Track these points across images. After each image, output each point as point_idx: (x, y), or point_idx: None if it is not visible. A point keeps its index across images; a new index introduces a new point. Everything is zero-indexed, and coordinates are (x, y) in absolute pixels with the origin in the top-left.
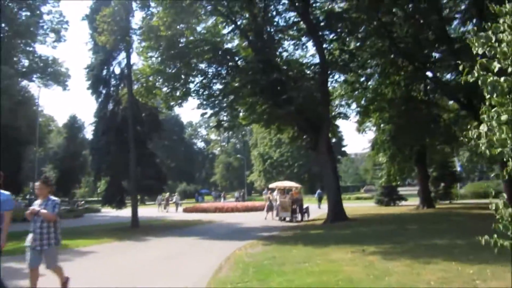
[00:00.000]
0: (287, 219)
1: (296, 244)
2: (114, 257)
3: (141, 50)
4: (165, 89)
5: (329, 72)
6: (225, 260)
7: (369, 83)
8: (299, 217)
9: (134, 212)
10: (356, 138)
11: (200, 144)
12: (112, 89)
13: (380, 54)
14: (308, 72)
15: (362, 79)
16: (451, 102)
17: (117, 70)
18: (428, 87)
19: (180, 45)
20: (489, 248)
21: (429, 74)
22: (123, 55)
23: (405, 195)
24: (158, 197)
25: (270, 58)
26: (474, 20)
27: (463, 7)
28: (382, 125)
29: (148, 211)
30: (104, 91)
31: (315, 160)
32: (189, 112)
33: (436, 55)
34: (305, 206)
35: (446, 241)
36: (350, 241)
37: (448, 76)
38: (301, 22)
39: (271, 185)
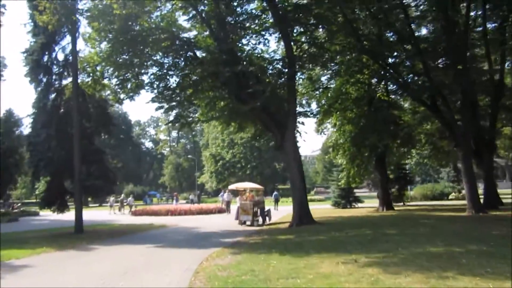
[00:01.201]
0: (248, 222)
1: (270, 253)
2: (53, 273)
3: (89, 36)
4: (115, 80)
5: (297, 66)
6: (194, 275)
7: (332, 81)
8: (260, 220)
9: (78, 215)
10: (307, 140)
11: (149, 144)
12: (54, 77)
13: (345, 51)
14: (271, 67)
15: (326, 77)
16: (406, 105)
17: (61, 57)
18: (391, 87)
19: (134, 32)
20: (497, 257)
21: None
22: (68, 39)
23: (360, 197)
24: (110, 199)
25: (234, 49)
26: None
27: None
28: (342, 126)
29: (94, 214)
30: (44, 79)
31: (272, 159)
32: (138, 110)
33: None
34: (266, 208)
35: (442, 249)
36: (331, 248)
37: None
38: (265, 15)
39: (231, 187)
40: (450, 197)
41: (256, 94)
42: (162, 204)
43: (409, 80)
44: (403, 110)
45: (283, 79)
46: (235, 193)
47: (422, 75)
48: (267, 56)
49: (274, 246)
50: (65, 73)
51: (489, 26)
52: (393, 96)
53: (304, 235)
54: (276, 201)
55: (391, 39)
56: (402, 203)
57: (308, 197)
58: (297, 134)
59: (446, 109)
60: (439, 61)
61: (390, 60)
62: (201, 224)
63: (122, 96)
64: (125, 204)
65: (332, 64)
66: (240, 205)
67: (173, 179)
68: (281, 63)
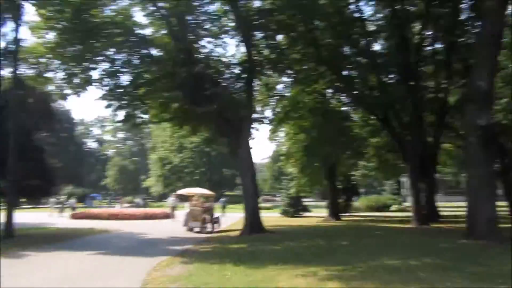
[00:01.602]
0: (196, 229)
1: (223, 263)
2: None
3: (35, 25)
4: (60, 74)
5: (256, 70)
6: None
7: (287, 90)
8: (209, 227)
9: (9, 217)
10: (257, 147)
11: (93, 144)
12: None
13: (304, 60)
14: (228, 72)
15: (282, 85)
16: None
17: (0, 45)
18: (345, 99)
19: (86, 23)
20: (452, 270)
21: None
22: (10, 26)
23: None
24: (51, 200)
25: (192, 49)
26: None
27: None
28: (296, 135)
29: (28, 216)
30: None
31: (220, 165)
32: (82, 109)
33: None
34: (215, 215)
35: (398, 262)
36: (287, 259)
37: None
38: (225, 18)
39: (180, 191)
40: (392, 208)
41: (213, 97)
42: (105, 208)
43: (364, 93)
44: (354, 122)
45: (241, 83)
46: (184, 198)
47: (376, 89)
48: (225, 60)
49: (227, 256)
50: (5, 63)
51: (438, 46)
52: (344, 108)
53: (257, 245)
54: (224, 207)
55: (348, 52)
56: (348, 213)
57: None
58: (252, 141)
59: (397, 124)
60: (392, 76)
61: (346, 72)
62: (147, 230)
63: (68, 91)
64: (65, 206)
65: (291, 72)
66: (190, 211)
67: (117, 181)
68: (239, 68)
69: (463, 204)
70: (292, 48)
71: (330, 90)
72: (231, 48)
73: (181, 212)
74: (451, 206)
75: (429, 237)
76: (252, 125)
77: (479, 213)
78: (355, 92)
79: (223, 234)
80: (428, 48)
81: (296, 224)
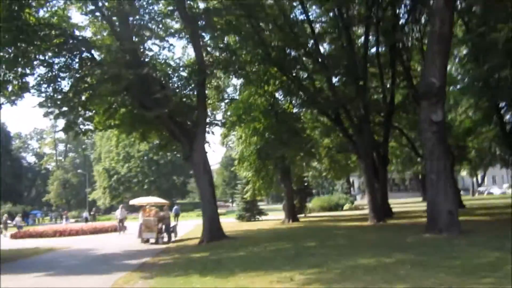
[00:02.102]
0: (152, 240)
1: (188, 275)
2: None
3: None
4: None
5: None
6: None
7: (236, 93)
8: (165, 237)
9: None
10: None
11: (31, 158)
12: None
13: (254, 61)
14: (176, 75)
15: (231, 88)
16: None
17: None
18: (296, 101)
19: (19, 25)
20: (431, 266)
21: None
22: None
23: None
24: None
25: (137, 50)
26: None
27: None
28: (248, 138)
29: None
30: None
31: (170, 173)
32: (18, 121)
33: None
34: (172, 224)
35: (372, 260)
36: (257, 266)
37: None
38: (170, 20)
39: (132, 201)
40: (344, 208)
41: (163, 100)
42: (49, 224)
43: (314, 94)
44: (307, 124)
45: (191, 86)
46: (136, 209)
47: (327, 89)
48: (172, 63)
49: (191, 266)
50: None
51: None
52: (295, 110)
53: (221, 252)
54: (177, 215)
55: (298, 53)
56: (303, 215)
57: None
58: (207, 145)
59: (349, 123)
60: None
61: (296, 73)
62: (98, 245)
63: (1, 99)
64: (10, 225)
65: (242, 73)
66: (143, 222)
67: (60, 196)
68: (187, 70)
69: (409, 200)
70: (242, 49)
71: (280, 92)
72: (180, 51)
73: (134, 224)
74: (398, 203)
75: (392, 233)
76: (207, 129)
77: (439, 206)
78: (305, 93)
79: (181, 243)
80: (373, 50)
81: (254, 228)
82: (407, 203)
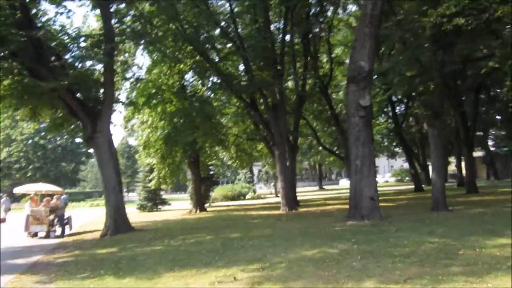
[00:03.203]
0: (41, 234)
1: (99, 276)
2: None
3: None
4: None
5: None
6: None
7: (142, 73)
8: (58, 230)
9: None
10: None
11: None
12: None
13: (167, 36)
14: (75, 45)
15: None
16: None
17: None
18: (211, 83)
19: None
20: (383, 255)
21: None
22: None
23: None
24: None
25: (30, 8)
26: None
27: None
28: (155, 122)
29: None
30: None
31: (59, 159)
32: None
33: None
34: (66, 215)
35: (316, 251)
36: (183, 262)
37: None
38: None
39: (17, 189)
40: (247, 197)
41: (60, 71)
42: None
43: (230, 76)
44: (216, 108)
45: (97, 56)
46: (15, 198)
47: (243, 72)
48: (70, 32)
49: (100, 265)
50: None
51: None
52: (207, 93)
53: (131, 247)
54: (65, 206)
55: (211, 33)
56: (208, 204)
57: (101, 202)
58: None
59: (266, 109)
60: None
61: (211, 53)
62: None
63: None
64: None
65: (159, 46)
66: (31, 213)
67: None
68: (89, 41)
69: (307, 189)
70: (155, 21)
71: (192, 73)
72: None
73: (17, 215)
74: (297, 192)
75: (313, 221)
76: (114, 108)
77: (362, 192)
78: (220, 75)
79: (78, 237)
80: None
81: (160, 219)
82: (305, 192)
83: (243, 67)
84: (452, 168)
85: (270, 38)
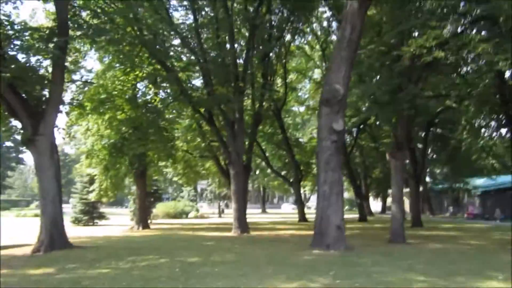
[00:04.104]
0: None
1: None
2: None
3: None
4: None
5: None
6: None
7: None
8: None
9: None
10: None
11: None
12: None
13: (123, 39)
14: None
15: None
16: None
17: None
18: (168, 93)
19: None
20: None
21: None
22: None
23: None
24: None
25: None
26: None
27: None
28: (101, 130)
29: None
30: None
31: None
32: None
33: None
34: None
35: (295, 285)
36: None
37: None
38: None
39: None
40: (189, 215)
41: (3, 60)
42: None
43: (188, 88)
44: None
45: (45, 50)
46: None
47: (202, 85)
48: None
49: None
50: None
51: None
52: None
53: (72, 268)
54: None
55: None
56: (150, 221)
57: (29, 211)
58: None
59: (223, 126)
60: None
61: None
62: None
63: None
64: None
65: (116, 48)
66: None
67: None
68: (36, 34)
69: (250, 212)
70: (111, 24)
71: (146, 82)
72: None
73: None
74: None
75: (275, 248)
76: (60, 110)
77: (329, 220)
78: (179, 86)
79: (3, 252)
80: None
81: (100, 235)
82: (249, 214)
83: (201, 80)
84: (390, 200)
85: (233, 54)
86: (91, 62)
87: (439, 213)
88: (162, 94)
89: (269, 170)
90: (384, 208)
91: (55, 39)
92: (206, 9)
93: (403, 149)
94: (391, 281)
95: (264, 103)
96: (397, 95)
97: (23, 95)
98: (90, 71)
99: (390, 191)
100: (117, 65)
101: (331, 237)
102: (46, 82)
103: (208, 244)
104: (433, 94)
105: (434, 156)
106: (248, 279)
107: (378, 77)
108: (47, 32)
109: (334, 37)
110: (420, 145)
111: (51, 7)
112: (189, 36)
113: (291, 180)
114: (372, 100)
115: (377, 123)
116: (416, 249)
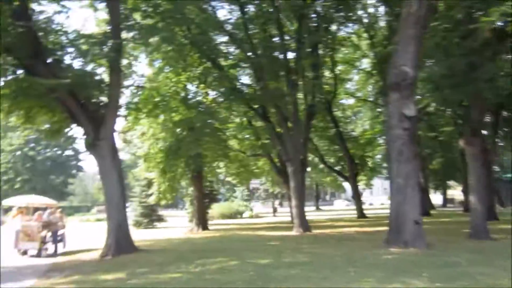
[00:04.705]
0: (32, 252)
1: None
2: None
3: None
4: None
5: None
6: None
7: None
8: (50, 248)
9: None
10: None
11: None
12: None
13: (173, 38)
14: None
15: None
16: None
17: None
18: (220, 92)
19: None
20: None
21: None
22: None
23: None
24: None
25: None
26: None
27: None
28: (157, 133)
29: None
30: None
31: (48, 172)
32: None
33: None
34: (60, 232)
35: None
36: None
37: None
38: None
39: (6, 201)
40: (244, 216)
41: (59, 70)
42: None
43: (241, 86)
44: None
45: (101, 55)
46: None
47: (254, 82)
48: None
49: None
50: None
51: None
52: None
53: (142, 272)
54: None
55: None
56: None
57: (91, 216)
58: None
59: (278, 121)
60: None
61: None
62: None
63: None
64: None
65: (169, 48)
66: (21, 228)
67: None
68: (90, 42)
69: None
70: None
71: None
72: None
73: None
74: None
75: (346, 247)
76: (119, 113)
77: (405, 215)
78: (231, 84)
79: (73, 257)
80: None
81: (162, 238)
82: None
83: (251, 77)
84: (451, 192)
85: (283, 46)
86: (142, 67)
87: (509, 205)
88: (212, 94)
89: (321, 166)
90: (445, 201)
91: (109, 42)
92: (254, 2)
93: (479, 135)
94: (503, 284)
95: (315, 96)
96: (472, 75)
97: (83, 101)
98: (142, 75)
99: (450, 183)
100: (168, 68)
101: (408, 233)
102: (103, 86)
103: (273, 244)
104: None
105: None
106: (332, 282)
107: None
108: (100, 37)
109: (381, 24)
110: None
111: (101, 15)
112: (237, 32)
113: (346, 175)
114: (440, 83)
115: (442, 108)
116: (506, 246)
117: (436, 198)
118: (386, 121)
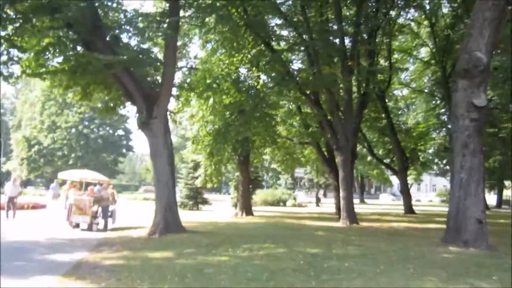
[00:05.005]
0: (84, 226)
1: None
2: None
3: None
4: None
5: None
6: None
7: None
8: (101, 223)
9: None
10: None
11: None
12: None
13: (228, 18)
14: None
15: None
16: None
17: None
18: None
19: None
20: None
21: None
22: None
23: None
24: None
25: None
26: None
27: None
28: (205, 116)
29: None
30: None
31: (100, 149)
32: None
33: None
34: (111, 208)
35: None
36: (269, 285)
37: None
38: None
39: (61, 175)
40: (287, 204)
41: (117, 47)
42: None
43: (294, 71)
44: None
45: (158, 32)
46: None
47: (310, 66)
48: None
49: (159, 277)
50: None
51: None
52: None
53: (189, 253)
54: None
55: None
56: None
57: (139, 195)
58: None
59: (332, 108)
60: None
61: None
62: (7, 228)
63: None
64: None
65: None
66: (74, 202)
67: None
68: (147, 21)
69: None
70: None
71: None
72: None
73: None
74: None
75: (400, 243)
76: (172, 92)
77: (467, 212)
78: (284, 68)
79: (122, 233)
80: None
81: (207, 220)
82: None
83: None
84: (506, 193)
85: (341, 30)
86: (195, 49)
87: None
88: (264, 78)
89: (369, 158)
90: (501, 202)
91: (167, 20)
92: None
93: None
94: None
95: (369, 84)
96: None
97: (138, 79)
98: (195, 57)
99: (507, 182)
100: (221, 49)
101: (470, 232)
102: (158, 64)
103: (320, 234)
104: None
105: None
106: (390, 278)
107: None
108: (158, 15)
109: (445, 10)
110: None
111: None
112: (294, 14)
113: (396, 169)
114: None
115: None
116: None
117: (489, 198)
118: (451, 110)
